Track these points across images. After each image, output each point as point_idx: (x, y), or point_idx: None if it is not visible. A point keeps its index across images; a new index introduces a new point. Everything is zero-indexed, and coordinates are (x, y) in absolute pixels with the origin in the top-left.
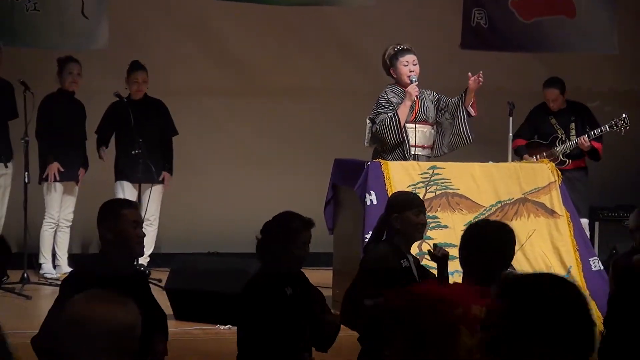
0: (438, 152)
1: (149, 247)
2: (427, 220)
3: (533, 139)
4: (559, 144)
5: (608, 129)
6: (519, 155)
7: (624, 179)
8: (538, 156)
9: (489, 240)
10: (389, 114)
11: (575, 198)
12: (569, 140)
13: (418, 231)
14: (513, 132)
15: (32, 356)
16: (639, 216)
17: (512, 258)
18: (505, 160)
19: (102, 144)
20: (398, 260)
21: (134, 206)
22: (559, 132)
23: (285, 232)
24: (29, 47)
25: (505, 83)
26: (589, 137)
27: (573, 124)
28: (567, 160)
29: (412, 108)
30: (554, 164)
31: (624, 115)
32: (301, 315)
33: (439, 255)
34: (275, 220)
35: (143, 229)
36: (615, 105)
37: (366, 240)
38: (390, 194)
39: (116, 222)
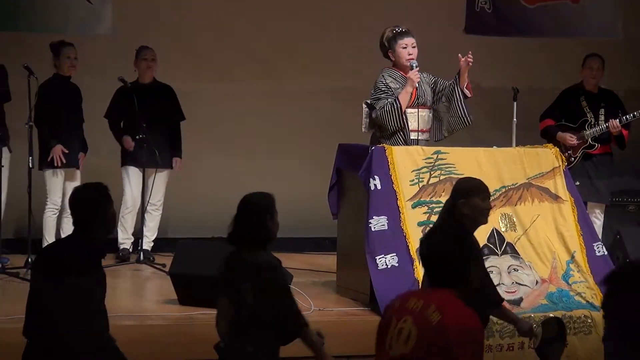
0: (438, 136)
1: (153, 232)
2: (432, 205)
3: (561, 122)
4: (587, 127)
5: (638, 115)
6: (549, 135)
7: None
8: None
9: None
10: (389, 100)
11: (600, 183)
12: (598, 124)
13: (484, 216)
14: (517, 117)
15: None
16: None
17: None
18: (510, 146)
19: (119, 132)
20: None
21: None
22: (588, 115)
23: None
24: (33, 31)
25: (509, 68)
26: (620, 121)
27: (603, 109)
28: (596, 145)
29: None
30: (557, 149)
31: None
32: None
33: None
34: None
35: (148, 214)
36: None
37: (370, 225)
38: (399, 178)
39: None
